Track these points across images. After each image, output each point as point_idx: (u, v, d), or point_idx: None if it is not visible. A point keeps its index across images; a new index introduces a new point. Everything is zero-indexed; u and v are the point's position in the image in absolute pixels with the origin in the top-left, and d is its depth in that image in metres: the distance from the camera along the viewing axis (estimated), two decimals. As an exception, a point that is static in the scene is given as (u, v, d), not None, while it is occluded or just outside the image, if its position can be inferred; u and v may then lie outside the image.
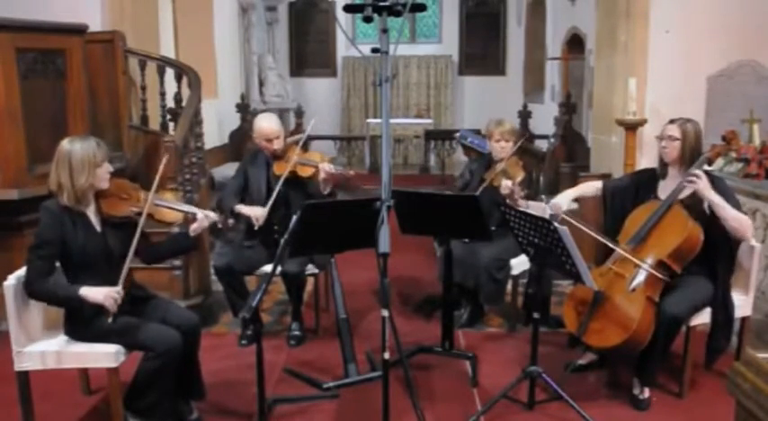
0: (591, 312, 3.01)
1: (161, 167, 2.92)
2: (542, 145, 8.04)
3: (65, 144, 2.66)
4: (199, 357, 2.93)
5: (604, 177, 4.92)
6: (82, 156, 2.63)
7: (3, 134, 3.74)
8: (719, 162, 4.14)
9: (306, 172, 3.70)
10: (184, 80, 5.21)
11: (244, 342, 3.78)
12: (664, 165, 3.18)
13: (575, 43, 8.65)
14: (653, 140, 3.66)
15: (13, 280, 2.67)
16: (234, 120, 8.74)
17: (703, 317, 3.07)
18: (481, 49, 11.94)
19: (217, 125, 8.21)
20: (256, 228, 3.64)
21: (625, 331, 2.88)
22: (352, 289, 4.29)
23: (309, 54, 12.00)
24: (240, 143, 8.38)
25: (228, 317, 4.02)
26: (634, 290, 2.95)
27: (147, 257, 2.98)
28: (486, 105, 10.31)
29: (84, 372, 3.17)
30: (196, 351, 2.90)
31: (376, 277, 2.79)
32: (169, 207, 2.89)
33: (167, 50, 6.93)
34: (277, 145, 3.74)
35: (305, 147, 3.81)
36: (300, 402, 3.12)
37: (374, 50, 2.38)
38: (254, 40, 10.00)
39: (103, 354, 2.70)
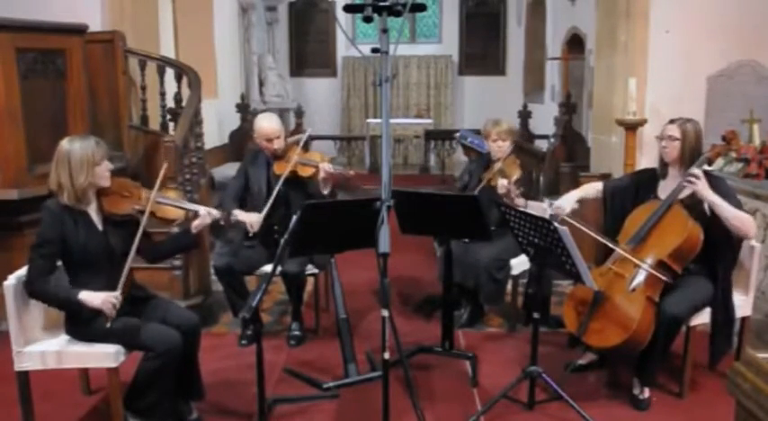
0: (591, 312, 3.01)
1: (162, 173, 2.92)
2: (542, 145, 8.04)
3: (64, 143, 2.67)
4: (198, 357, 2.93)
5: (604, 177, 4.93)
6: (81, 156, 2.63)
7: (3, 134, 3.74)
8: (719, 162, 4.14)
9: (306, 172, 3.70)
10: (184, 80, 5.21)
11: (244, 342, 3.78)
12: (664, 164, 3.18)
13: (575, 43, 8.65)
14: (653, 140, 3.66)
15: (13, 280, 2.67)
16: (234, 120, 8.74)
17: (703, 318, 3.07)
18: (481, 49, 11.95)
19: (217, 125, 8.21)
20: (251, 234, 3.63)
21: (625, 331, 2.88)
22: (352, 289, 4.29)
23: (309, 54, 12.01)
24: (240, 143, 8.38)
25: (228, 317, 4.02)
26: (634, 290, 2.95)
27: (149, 255, 2.98)
28: (486, 105, 10.31)
29: (84, 372, 3.17)
30: (196, 351, 2.90)
31: (376, 277, 2.79)
32: (171, 204, 2.90)
33: (167, 50, 6.93)
34: (277, 145, 3.75)
35: (305, 148, 3.81)
36: (300, 402, 3.12)
37: (374, 50, 2.38)
38: (254, 40, 10.00)
39: (103, 354, 2.70)
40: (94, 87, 4.63)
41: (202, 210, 2.96)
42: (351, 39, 11.60)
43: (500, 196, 3.64)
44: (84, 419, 3.04)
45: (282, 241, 2.71)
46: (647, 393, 3.06)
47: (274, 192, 3.60)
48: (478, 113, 10.34)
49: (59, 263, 2.75)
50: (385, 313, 2.31)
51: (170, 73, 5.33)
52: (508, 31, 11.81)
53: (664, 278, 2.95)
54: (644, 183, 3.26)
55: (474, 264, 3.78)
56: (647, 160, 4.79)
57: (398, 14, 2.37)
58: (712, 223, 2.99)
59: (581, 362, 3.37)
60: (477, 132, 6.65)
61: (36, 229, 2.69)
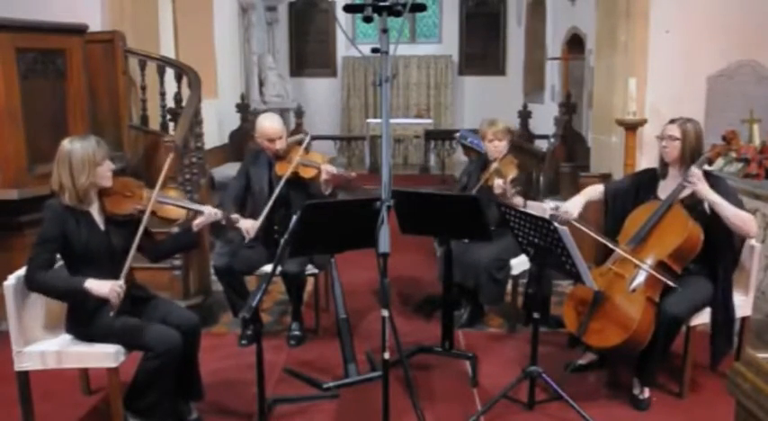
0: (591, 312, 3.01)
1: (166, 165, 2.93)
2: (542, 145, 8.04)
3: (65, 144, 2.67)
4: (198, 357, 2.93)
5: (604, 177, 4.94)
6: (82, 156, 2.64)
7: (3, 134, 3.74)
8: (719, 162, 4.14)
9: (308, 173, 3.70)
10: (184, 80, 5.21)
11: (244, 342, 3.78)
12: (664, 164, 3.17)
13: (575, 43, 8.65)
14: (653, 140, 3.66)
15: (13, 280, 2.67)
16: (234, 120, 8.74)
17: (703, 318, 3.07)
18: (481, 49, 11.95)
19: (217, 125, 8.21)
20: (247, 240, 3.62)
21: (625, 331, 2.88)
22: (352, 289, 4.29)
23: (309, 54, 12.01)
24: (240, 143, 8.38)
25: (228, 317, 4.02)
26: (634, 290, 2.95)
27: (151, 254, 2.99)
28: (486, 105, 10.31)
29: (85, 372, 3.17)
30: (196, 351, 2.90)
31: (376, 277, 2.79)
32: (173, 204, 2.90)
33: (167, 50, 6.93)
34: (279, 145, 3.74)
35: (306, 148, 3.81)
36: (300, 402, 3.12)
37: (374, 50, 2.38)
38: (254, 40, 10.00)
39: (103, 354, 2.70)
40: (94, 87, 4.63)
41: (205, 209, 2.97)
42: (351, 39, 11.60)
43: (496, 196, 3.64)
44: (84, 419, 3.04)
45: (282, 241, 2.71)
46: (647, 393, 3.06)
47: (275, 193, 3.60)
48: (478, 113, 10.27)
49: (61, 262, 2.75)
50: (385, 313, 2.31)
51: (170, 73, 5.32)
52: (508, 31, 11.82)
53: (664, 280, 2.94)
54: (644, 184, 3.26)
55: (474, 264, 3.77)
56: (647, 160, 4.79)
57: (398, 14, 2.37)
58: (712, 223, 2.99)
59: (581, 362, 3.37)
60: (478, 132, 6.66)
61: (36, 229, 2.70)
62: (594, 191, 3.37)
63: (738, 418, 1.54)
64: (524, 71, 11.11)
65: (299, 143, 3.85)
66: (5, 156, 3.76)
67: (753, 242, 3.13)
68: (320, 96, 11.92)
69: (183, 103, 5.09)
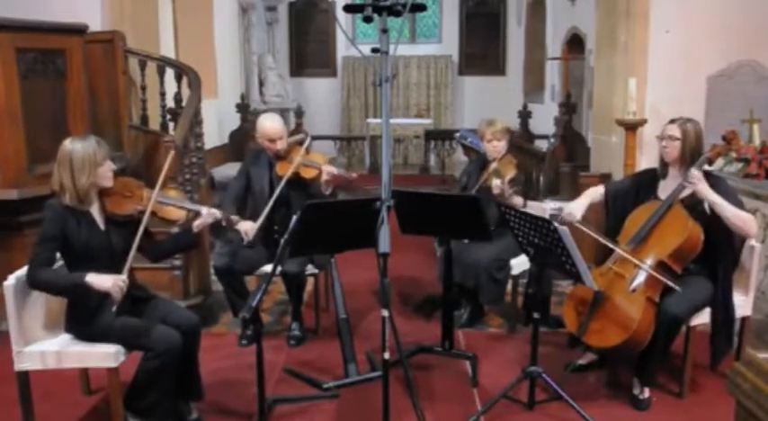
0: (591, 312, 3.01)
1: (166, 165, 2.93)
2: (542, 145, 8.03)
3: (66, 144, 2.68)
4: (198, 357, 2.93)
5: (604, 177, 4.94)
6: (82, 156, 2.64)
7: (3, 134, 3.74)
8: (719, 162, 4.14)
9: (309, 173, 3.70)
10: (184, 80, 5.21)
11: (244, 342, 3.79)
12: (664, 164, 3.18)
13: (575, 43, 8.65)
14: (653, 140, 3.66)
15: (12, 280, 2.67)
16: (234, 120, 8.74)
17: (703, 318, 3.07)
18: (481, 49, 11.95)
19: (217, 125, 8.20)
20: (245, 242, 3.62)
21: (625, 331, 2.88)
22: (352, 289, 4.29)
23: (309, 54, 12.01)
24: (240, 143, 8.38)
25: (228, 317, 4.02)
26: (634, 290, 2.95)
27: (151, 254, 2.99)
28: (486, 105, 10.32)
29: (85, 372, 3.17)
30: (196, 351, 2.90)
31: (376, 277, 2.78)
32: (173, 205, 2.90)
33: (167, 50, 6.93)
34: (280, 145, 3.74)
35: (306, 148, 3.82)
36: (300, 402, 3.12)
37: (374, 50, 2.38)
38: (254, 40, 10.00)
39: (103, 354, 2.70)
40: (94, 87, 4.62)
41: (204, 210, 2.97)
42: (351, 39, 11.60)
43: (495, 197, 3.64)
44: (84, 419, 3.04)
45: (282, 241, 2.71)
46: (647, 393, 3.06)
47: (276, 193, 3.59)
48: (478, 113, 10.25)
49: (61, 262, 2.75)
50: (385, 313, 2.31)
51: (170, 73, 5.32)
52: (508, 31, 11.82)
53: (665, 280, 2.94)
54: (644, 184, 3.26)
55: (474, 264, 3.77)
56: (647, 160, 4.79)
57: (398, 14, 2.37)
58: (712, 223, 2.99)
59: (581, 362, 3.37)
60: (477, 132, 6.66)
61: (36, 229, 2.70)
62: (595, 192, 3.37)
63: (738, 418, 1.54)
64: (524, 71, 11.11)
65: (300, 143, 3.84)
66: (5, 156, 3.76)
67: (753, 242, 3.13)
68: (320, 96, 11.92)
69: (183, 103, 5.09)
